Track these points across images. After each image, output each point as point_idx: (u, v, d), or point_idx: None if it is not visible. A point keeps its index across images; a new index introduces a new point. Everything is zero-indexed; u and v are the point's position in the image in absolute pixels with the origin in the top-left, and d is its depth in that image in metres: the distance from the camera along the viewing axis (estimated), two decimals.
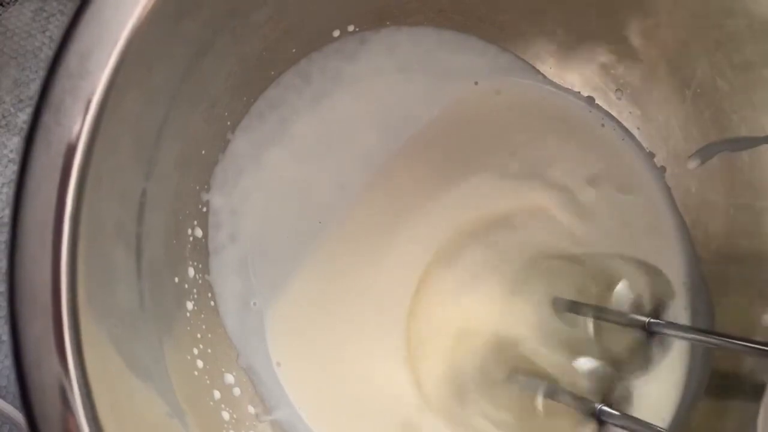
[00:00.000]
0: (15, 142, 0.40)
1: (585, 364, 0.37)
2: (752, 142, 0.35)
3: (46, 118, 0.19)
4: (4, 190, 0.40)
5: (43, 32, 0.42)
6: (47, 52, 0.41)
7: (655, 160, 0.41)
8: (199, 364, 0.34)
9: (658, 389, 0.38)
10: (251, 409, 0.36)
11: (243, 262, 0.38)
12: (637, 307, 0.38)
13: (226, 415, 0.34)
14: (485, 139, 0.40)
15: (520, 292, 0.39)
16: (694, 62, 0.36)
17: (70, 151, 0.19)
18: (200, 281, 0.36)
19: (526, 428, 0.37)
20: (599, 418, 0.36)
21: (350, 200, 0.39)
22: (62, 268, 0.19)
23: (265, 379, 0.37)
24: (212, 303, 0.37)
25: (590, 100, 0.41)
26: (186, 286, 0.35)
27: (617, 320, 0.37)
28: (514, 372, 0.37)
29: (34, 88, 0.41)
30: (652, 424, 0.33)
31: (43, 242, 0.19)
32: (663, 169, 0.40)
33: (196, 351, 0.34)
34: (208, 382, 0.34)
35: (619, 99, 0.41)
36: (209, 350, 0.35)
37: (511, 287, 0.39)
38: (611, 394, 0.37)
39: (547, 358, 0.37)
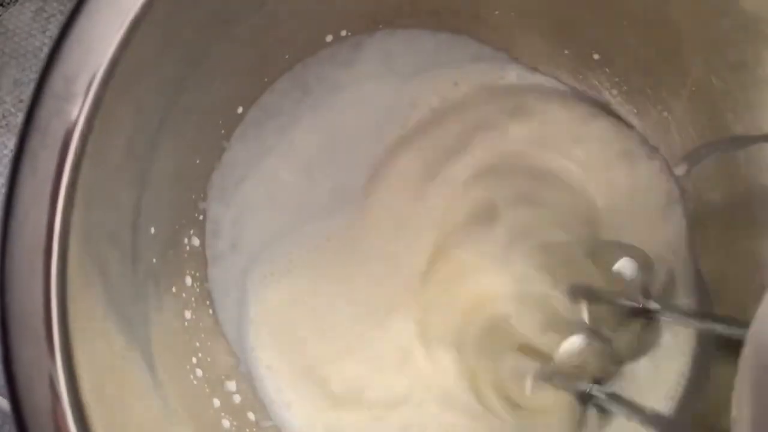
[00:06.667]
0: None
1: (578, 342, 0.36)
2: (749, 140, 0.35)
3: (33, 143, 0.19)
4: (4, 190, 0.40)
5: (44, 32, 0.42)
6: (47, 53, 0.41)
7: None
8: (198, 372, 0.34)
9: (655, 373, 0.37)
10: (251, 416, 0.36)
11: (244, 270, 0.38)
12: (636, 289, 0.36)
13: (226, 423, 0.34)
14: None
15: (523, 272, 0.38)
16: (688, 61, 0.35)
17: (58, 174, 0.19)
18: (198, 290, 0.36)
19: (515, 412, 0.37)
20: (590, 401, 0.35)
21: (353, 205, 0.39)
22: (53, 294, 0.19)
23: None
24: (211, 311, 0.37)
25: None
26: (184, 295, 0.35)
27: (615, 302, 0.36)
28: (509, 350, 0.37)
29: None
30: (645, 407, 0.32)
31: (34, 269, 0.19)
32: None
33: (194, 360, 0.34)
34: (207, 390, 0.34)
35: (615, 97, 0.40)
36: (208, 358, 0.35)
37: (515, 266, 0.38)
38: (604, 377, 0.36)
39: (542, 337, 0.36)
